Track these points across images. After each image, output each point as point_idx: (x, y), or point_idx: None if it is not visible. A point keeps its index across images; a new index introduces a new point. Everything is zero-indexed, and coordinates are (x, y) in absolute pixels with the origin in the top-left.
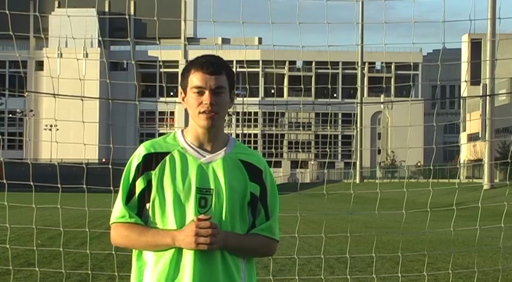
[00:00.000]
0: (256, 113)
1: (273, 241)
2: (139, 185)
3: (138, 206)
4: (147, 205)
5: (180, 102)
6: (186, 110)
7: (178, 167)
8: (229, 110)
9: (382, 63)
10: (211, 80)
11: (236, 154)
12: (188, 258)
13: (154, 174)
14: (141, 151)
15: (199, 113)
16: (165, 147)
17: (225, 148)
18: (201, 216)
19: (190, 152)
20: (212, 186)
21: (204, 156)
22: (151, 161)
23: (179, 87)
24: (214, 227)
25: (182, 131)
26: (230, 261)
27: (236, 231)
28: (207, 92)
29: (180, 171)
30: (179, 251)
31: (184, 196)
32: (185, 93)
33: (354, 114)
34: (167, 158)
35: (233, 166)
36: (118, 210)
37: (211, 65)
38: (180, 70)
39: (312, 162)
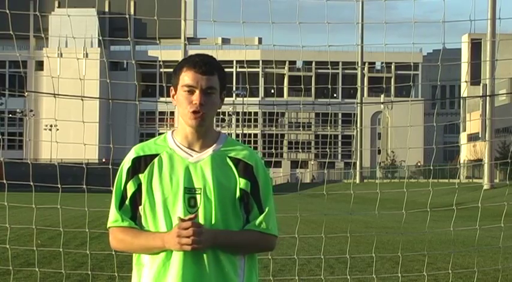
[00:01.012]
0: (256, 113)
1: (268, 236)
2: (130, 189)
3: (131, 210)
4: (140, 208)
5: None
6: None
7: (166, 168)
8: (229, 110)
9: (382, 63)
10: (203, 80)
11: (225, 151)
12: (178, 259)
13: (143, 177)
14: (130, 155)
15: (188, 111)
16: (154, 149)
17: (213, 146)
18: (188, 216)
19: (178, 152)
20: (200, 185)
21: (192, 156)
22: (140, 164)
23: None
24: (197, 226)
25: (173, 131)
26: (224, 259)
27: (231, 227)
28: (197, 92)
29: (168, 173)
30: (171, 253)
31: (173, 197)
32: (175, 91)
33: (354, 114)
34: (156, 160)
35: (222, 163)
36: (111, 214)
37: (204, 64)
38: None
39: (312, 162)
